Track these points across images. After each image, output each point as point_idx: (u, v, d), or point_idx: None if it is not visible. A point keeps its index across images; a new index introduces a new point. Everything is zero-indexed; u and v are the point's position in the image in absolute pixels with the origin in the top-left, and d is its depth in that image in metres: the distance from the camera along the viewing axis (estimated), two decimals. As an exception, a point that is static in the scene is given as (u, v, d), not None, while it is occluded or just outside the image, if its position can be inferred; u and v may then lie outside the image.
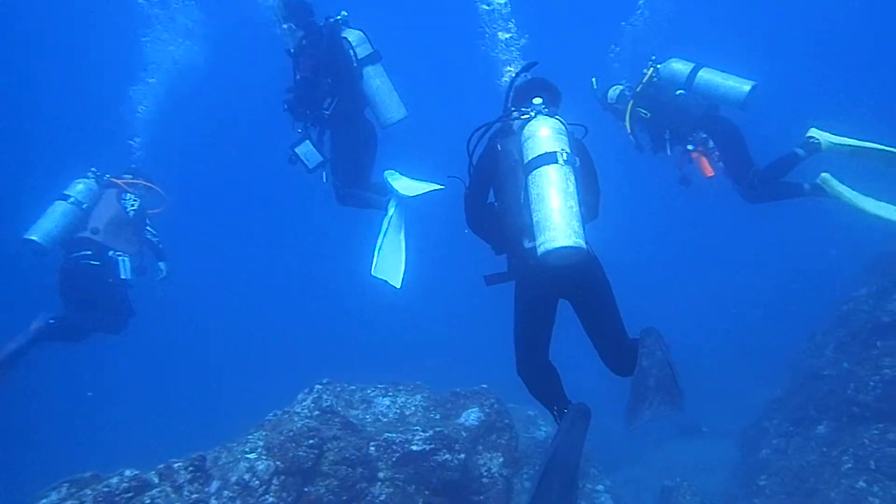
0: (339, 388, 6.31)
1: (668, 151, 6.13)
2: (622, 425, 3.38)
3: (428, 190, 5.56)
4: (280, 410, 5.89)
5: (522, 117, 3.65)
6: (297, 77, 5.61)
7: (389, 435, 5.73)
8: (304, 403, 5.97)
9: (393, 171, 5.94)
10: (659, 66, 6.21)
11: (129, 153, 7.89)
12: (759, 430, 8.30)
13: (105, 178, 6.47)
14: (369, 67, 5.71)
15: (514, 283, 3.62)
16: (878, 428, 6.49)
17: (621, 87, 6.43)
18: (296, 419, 5.50)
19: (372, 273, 5.57)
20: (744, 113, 5.86)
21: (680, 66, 6.08)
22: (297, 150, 5.72)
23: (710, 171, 5.91)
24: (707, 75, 5.90)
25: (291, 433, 5.14)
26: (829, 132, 5.65)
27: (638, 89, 6.26)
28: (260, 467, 4.89)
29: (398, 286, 5.58)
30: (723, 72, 5.90)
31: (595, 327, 3.60)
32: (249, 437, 5.29)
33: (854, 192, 5.46)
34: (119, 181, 6.51)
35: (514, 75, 3.97)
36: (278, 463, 4.95)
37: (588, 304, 3.59)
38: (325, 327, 18.62)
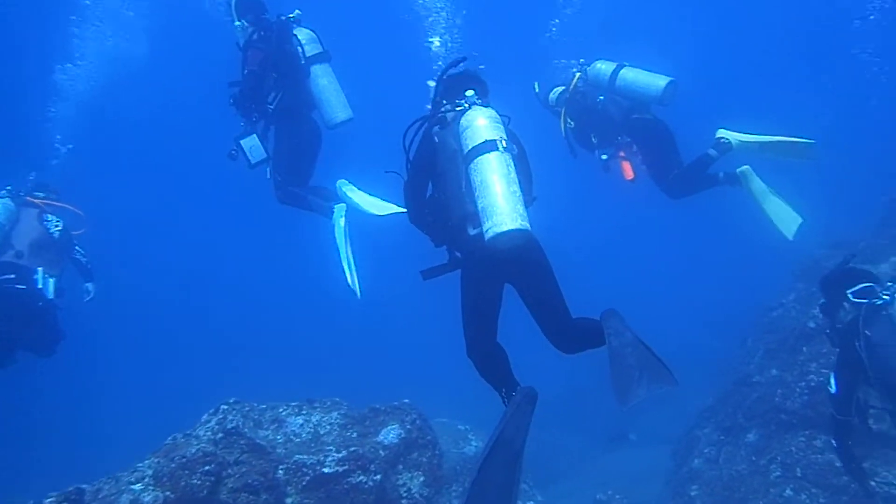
0: (247, 408, 5.86)
1: (597, 155, 6.12)
2: (617, 405, 3.34)
3: (394, 212, 5.41)
4: (180, 434, 5.40)
5: (457, 109, 3.70)
6: (245, 71, 5.64)
7: (300, 457, 5.34)
8: (208, 426, 5.49)
9: (346, 182, 5.93)
10: (587, 67, 6.16)
11: (50, 165, 7.58)
12: (691, 438, 8.19)
13: (21, 196, 6.12)
14: (317, 66, 5.73)
15: (461, 270, 3.70)
16: (804, 435, 6.43)
17: (562, 88, 6.32)
18: (193, 443, 5.02)
19: (350, 285, 5.55)
20: (665, 109, 5.90)
21: (603, 67, 6.03)
22: (242, 142, 5.69)
23: (630, 175, 5.97)
24: (628, 74, 5.86)
25: (185, 459, 4.68)
26: (737, 130, 5.78)
27: (567, 95, 6.21)
28: (146, 499, 4.41)
29: (359, 295, 5.59)
30: (643, 69, 5.87)
31: (541, 307, 3.68)
32: (139, 465, 4.79)
33: (766, 191, 5.65)
34: (37, 200, 6.18)
35: (442, 70, 3.99)
36: (168, 493, 4.48)
37: (533, 285, 3.67)
38: (240, 341, 17.95)
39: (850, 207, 11.20)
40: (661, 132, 5.99)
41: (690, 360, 13.48)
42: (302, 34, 5.77)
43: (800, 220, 5.64)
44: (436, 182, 3.77)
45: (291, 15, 5.83)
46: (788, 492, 6.16)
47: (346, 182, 5.95)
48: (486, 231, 3.32)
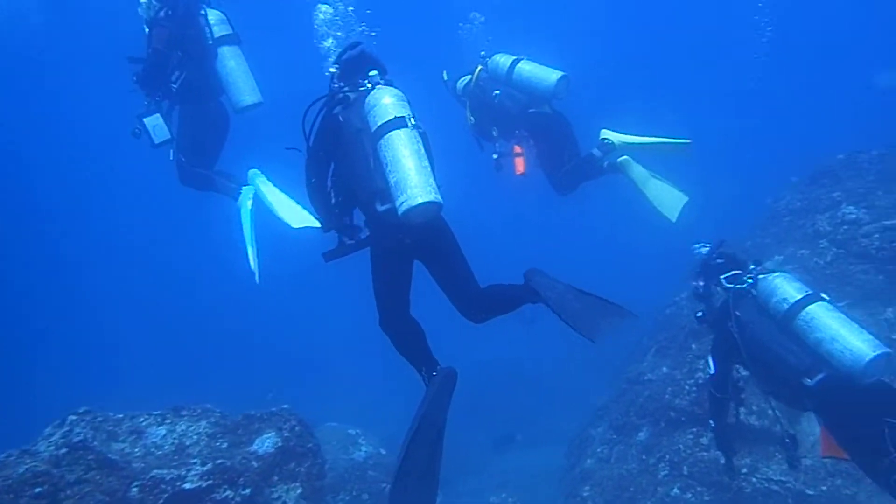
0: (99, 418, 5.20)
1: (498, 148, 6.13)
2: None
3: (309, 226, 5.21)
4: (16, 450, 4.72)
5: (360, 89, 3.75)
6: (149, 49, 5.50)
7: (159, 472, 4.78)
8: (51, 440, 4.84)
9: (258, 172, 5.81)
10: (488, 60, 6.13)
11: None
12: (584, 438, 8.15)
13: None
14: (226, 48, 5.61)
15: (371, 246, 3.78)
16: (692, 432, 6.46)
17: (468, 79, 6.26)
18: (26, 461, 4.38)
19: (252, 269, 5.61)
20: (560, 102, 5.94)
21: (502, 60, 6.00)
22: (145, 120, 5.53)
23: (521, 169, 6.02)
24: (524, 68, 5.86)
25: (9, 482, 4.05)
26: (619, 131, 5.92)
27: (470, 88, 6.20)
28: (-44, 531, 3.77)
29: (258, 281, 5.64)
30: (539, 64, 5.88)
31: (452, 278, 3.85)
32: (-46, 489, 4.11)
33: (646, 176, 5.81)
34: None
35: (339, 54, 4.02)
36: (-15, 522, 3.85)
37: (443, 257, 3.83)
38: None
39: (736, 209, 11.65)
40: (557, 126, 6.00)
41: (588, 359, 13.76)
42: (211, 14, 5.65)
43: (685, 199, 5.77)
44: (339, 161, 3.80)
45: None
46: (675, 490, 6.16)
47: (259, 173, 5.81)
48: (401, 205, 3.36)
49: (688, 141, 5.76)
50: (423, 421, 3.40)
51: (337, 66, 3.96)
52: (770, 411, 4.34)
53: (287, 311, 16.70)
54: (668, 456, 6.43)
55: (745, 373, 4.43)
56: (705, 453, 6.19)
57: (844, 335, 3.67)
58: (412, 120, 3.56)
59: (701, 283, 4.56)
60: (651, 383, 7.29)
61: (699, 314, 4.58)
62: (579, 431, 8.53)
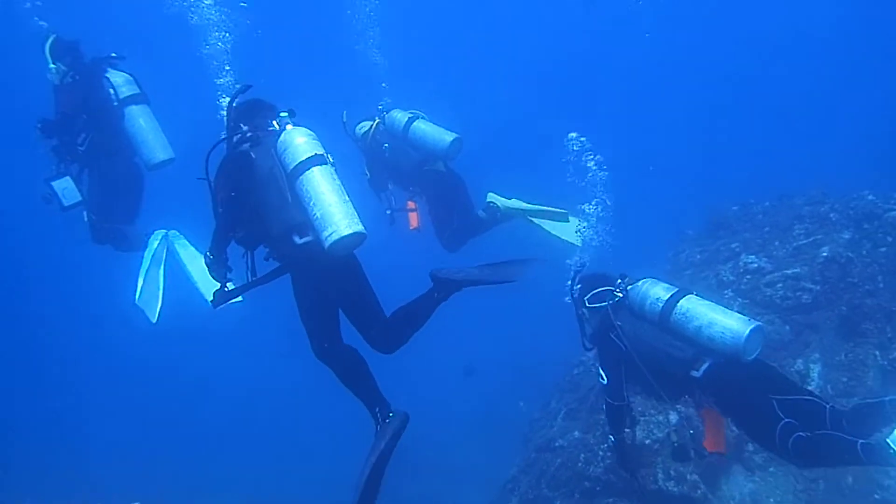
0: None
1: (393, 203, 6.30)
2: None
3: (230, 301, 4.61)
4: None
5: (269, 129, 3.97)
6: (56, 111, 5.71)
7: None
8: None
9: (178, 234, 6.23)
10: (385, 114, 6.20)
11: None
12: (494, 515, 7.36)
13: None
14: (134, 107, 5.76)
15: (294, 279, 3.96)
16: (608, 503, 5.84)
17: (367, 126, 6.32)
18: None
19: (136, 302, 5.89)
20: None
21: (399, 116, 6.09)
22: (53, 184, 5.66)
23: (414, 224, 6.26)
24: (419, 127, 5.96)
25: None
26: (503, 195, 6.30)
27: (367, 141, 6.26)
28: None
29: (154, 320, 5.86)
30: (434, 123, 6.04)
31: (363, 309, 4.10)
32: None
33: (521, 205, 6.23)
34: None
35: (231, 98, 4.14)
36: None
37: (356, 288, 4.08)
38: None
39: (636, 265, 11.59)
40: (449, 185, 6.17)
41: (497, 428, 13.03)
42: (116, 76, 5.80)
43: (574, 222, 6.12)
44: (249, 197, 3.87)
45: (113, 55, 5.89)
46: (595, 571, 5.48)
47: (179, 235, 6.24)
48: (328, 237, 3.59)
49: (564, 211, 6.19)
50: (379, 463, 3.71)
51: (234, 108, 4.10)
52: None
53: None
54: (584, 532, 5.76)
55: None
56: (624, 528, 5.57)
57: (720, 318, 3.90)
58: (330, 157, 3.79)
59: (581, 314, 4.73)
60: (562, 450, 6.68)
61: (587, 346, 4.76)
62: (487, 508, 7.74)
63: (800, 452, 3.62)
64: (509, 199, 6.31)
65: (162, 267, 6.04)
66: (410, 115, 6.02)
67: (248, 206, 3.88)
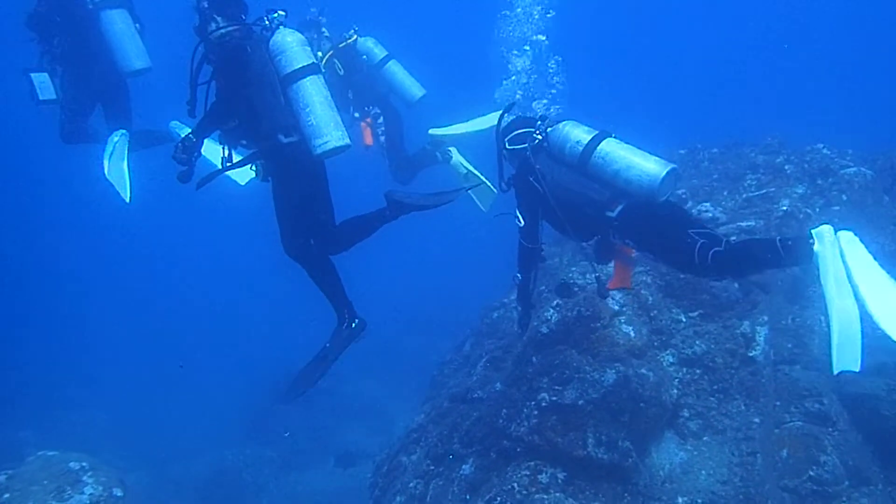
0: None
1: (350, 111, 6.76)
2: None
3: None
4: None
5: (266, 23, 4.18)
6: (34, 9, 5.64)
7: None
8: None
9: (179, 124, 6.26)
10: (360, 38, 6.83)
11: None
12: (394, 466, 6.58)
13: None
14: (111, 11, 5.65)
15: (274, 175, 4.36)
16: (528, 467, 5.12)
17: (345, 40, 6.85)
18: None
19: (106, 175, 5.90)
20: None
21: (375, 49, 6.84)
22: (31, 74, 5.64)
23: (370, 141, 6.79)
24: (394, 69, 6.81)
25: None
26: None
27: (341, 45, 6.74)
28: None
29: (127, 199, 5.86)
30: (406, 70, 6.87)
31: (322, 212, 4.53)
32: None
33: (468, 170, 6.98)
34: None
35: None
36: None
37: (322, 193, 4.54)
38: None
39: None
40: (403, 122, 7.09)
41: (401, 367, 12.33)
42: None
43: (494, 192, 6.48)
44: (243, 91, 4.12)
45: None
46: (508, 545, 4.79)
47: (179, 124, 6.23)
48: (320, 145, 4.05)
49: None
50: (323, 358, 4.60)
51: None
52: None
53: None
54: (498, 498, 5.04)
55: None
56: (545, 496, 4.89)
57: (638, 162, 4.00)
58: (322, 67, 4.49)
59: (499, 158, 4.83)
60: (480, 403, 5.93)
61: (503, 180, 4.78)
62: (387, 456, 6.95)
63: (720, 263, 3.72)
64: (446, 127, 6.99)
65: (125, 159, 5.93)
66: (386, 55, 6.77)
67: (243, 98, 4.12)
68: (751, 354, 5.60)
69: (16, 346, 15.12)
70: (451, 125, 6.96)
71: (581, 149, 4.16)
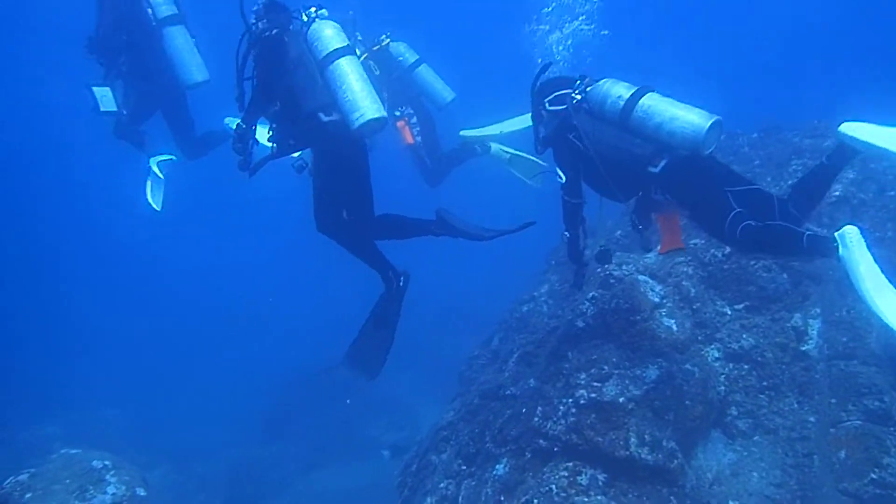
0: None
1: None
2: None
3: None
4: None
5: (304, 18, 4.53)
6: (98, 28, 5.98)
7: None
8: None
9: (233, 119, 6.29)
10: (392, 43, 6.95)
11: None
12: (423, 465, 6.33)
13: None
14: (171, 28, 5.98)
15: (315, 154, 4.64)
16: (567, 468, 4.83)
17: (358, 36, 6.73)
18: None
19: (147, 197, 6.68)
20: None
21: (406, 53, 6.94)
22: (94, 88, 6.01)
23: (410, 140, 6.98)
24: (425, 71, 6.95)
25: None
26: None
27: (374, 49, 6.85)
28: None
29: (158, 208, 6.70)
30: (437, 73, 7.01)
31: (363, 196, 4.73)
32: None
33: (508, 154, 7.00)
34: None
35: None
36: None
37: (363, 176, 4.71)
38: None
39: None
40: (434, 121, 7.25)
41: (425, 363, 12.10)
42: None
43: (544, 165, 6.44)
44: (281, 81, 4.41)
45: None
46: (547, 551, 4.52)
47: (232, 119, 6.28)
48: (357, 119, 4.20)
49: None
50: (381, 316, 5.00)
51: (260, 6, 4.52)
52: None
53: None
54: (535, 500, 4.75)
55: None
56: (585, 499, 4.60)
57: (682, 114, 3.95)
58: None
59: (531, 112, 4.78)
60: (514, 400, 5.65)
61: (539, 140, 4.78)
62: (416, 455, 6.71)
63: (746, 239, 3.76)
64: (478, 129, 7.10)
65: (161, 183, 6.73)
66: (417, 59, 6.87)
67: (283, 84, 4.38)
68: (803, 349, 5.25)
69: (44, 343, 15.20)
70: (482, 127, 7.13)
71: (622, 103, 4.11)
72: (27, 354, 14.21)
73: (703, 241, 6.00)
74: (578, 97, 4.38)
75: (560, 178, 4.50)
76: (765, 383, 5.24)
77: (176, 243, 23.30)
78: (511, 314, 7.75)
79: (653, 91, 4.14)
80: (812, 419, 4.96)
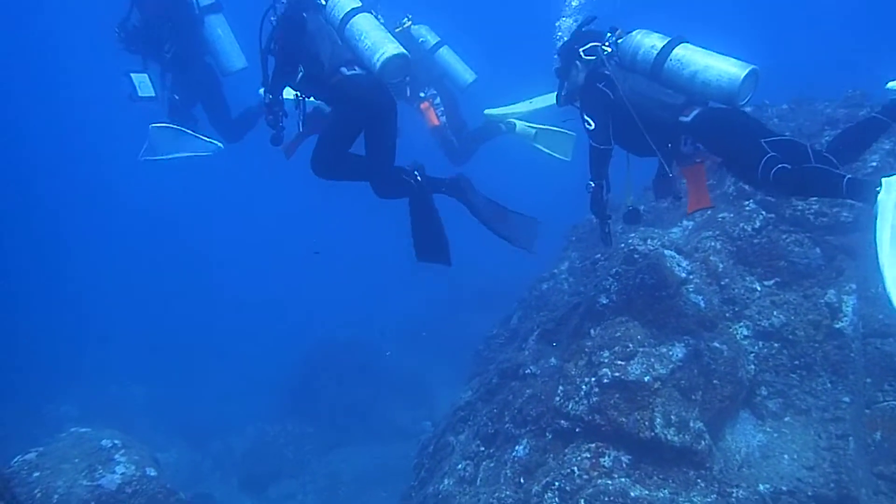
0: None
1: (407, 94, 6.78)
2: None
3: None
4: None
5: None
6: (141, 17, 6.05)
7: None
8: None
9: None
10: (413, 25, 6.84)
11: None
12: (440, 446, 6.21)
13: None
14: (211, 16, 6.28)
15: (335, 110, 4.84)
16: (589, 449, 4.67)
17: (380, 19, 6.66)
18: None
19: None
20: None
21: (428, 36, 6.91)
22: (132, 75, 6.10)
23: (436, 121, 6.94)
24: (446, 53, 6.91)
25: None
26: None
27: (397, 30, 6.60)
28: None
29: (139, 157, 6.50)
30: (457, 55, 6.95)
31: (382, 146, 4.82)
32: None
33: (534, 131, 6.76)
34: None
35: None
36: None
37: (384, 127, 4.77)
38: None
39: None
40: (457, 101, 7.19)
41: (441, 342, 11.96)
42: None
43: (572, 136, 6.35)
44: (303, 46, 4.62)
45: None
46: (569, 534, 4.37)
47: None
48: (378, 59, 4.30)
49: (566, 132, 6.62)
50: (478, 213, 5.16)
51: None
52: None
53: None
54: (557, 482, 4.61)
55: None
56: (609, 481, 4.44)
57: (716, 62, 3.89)
58: (372, 11, 4.56)
59: (558, 59, 4.72)
60: (534, 379, 5.48)
61: (563, 92, 4.74)
62: (434, 436, 6.59)
63: (780, 181, 3.63)
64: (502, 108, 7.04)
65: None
66: (438, 41, 6.83)
67: (304, 51, 4.58)
68: (837, 326, 5.01)
69: (63, 323, 15.27)
70: (506, 105, 7.13)
71: (655, 53, 4.05)
72: (46, 333, 14.28)
73: (731, 215, 5.77)
74: (609, 49, 4.35)
75: (589, 124, 4.41)
76: (796, 362, 5.02)
77: (199, 224, 23.40)
78: (530, 292, 7.57)
79: (686, 42, 4.07)
80: (846, 399, 4.74)
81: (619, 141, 4.46)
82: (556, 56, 4.78)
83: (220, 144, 6.68)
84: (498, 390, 5.86)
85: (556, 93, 4.87)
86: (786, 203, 5.52)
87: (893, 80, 3.79)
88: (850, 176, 3.44)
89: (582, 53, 4.51)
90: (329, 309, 14.58)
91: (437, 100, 6.96)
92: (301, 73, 4.64)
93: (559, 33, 4.94)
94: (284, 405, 11.98)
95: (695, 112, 4.05)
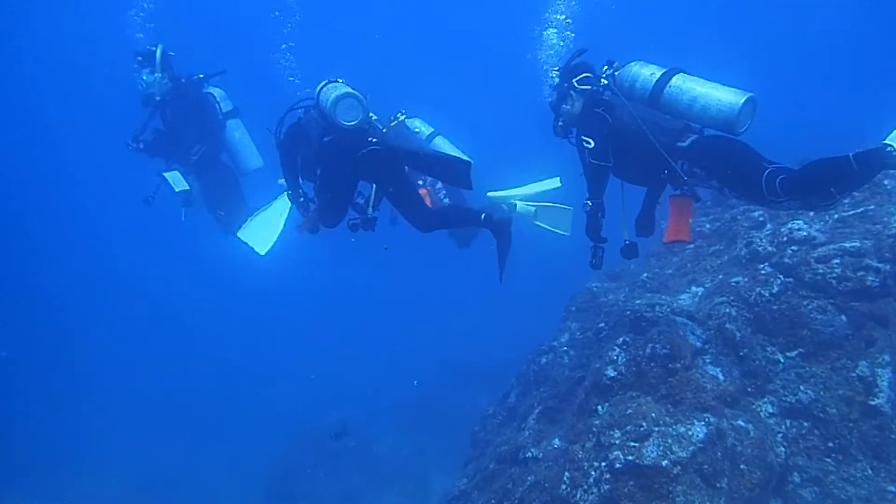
0: None
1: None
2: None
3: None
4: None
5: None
6: (166, 123, 6.57)
7: None
8: None
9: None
10: (407, 119, 6.70)
11: None
12: (433, 542, 5.50)
13: None
14: (231, 121, 6.81)
15: (322, 168, 5.10)
16: (601, 546, 4.05)
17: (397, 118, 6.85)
18: None
19: (237, 235, 6.87)
20: None
21: (422, 127, 6.70)
22: (165, 174, 6.52)
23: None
24: (441, 141, 6.69)
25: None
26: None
27: (392, 124, 6.69)
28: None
29: (262, 253, 6.72)
30: (452, 143, 6.72)
31: (407, 191, 5.41)
32: None
33: (533, 208, 6.37)
34: None
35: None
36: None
37: (385, 172, 5.25)
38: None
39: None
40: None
41: (436, 422, 11.24)
42: (216, 92, 6.76)
43: (569, 210, 6.16)
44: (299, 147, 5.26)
45: (200, 75, 6.73)
46: None
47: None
48: (331, 104, 4.78)
49: (568, 208, 6.28)
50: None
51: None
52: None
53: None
54: (565, 588, 3.96)
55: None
56: (626, 585, 3.80)
57: (714, 91, 3.91)
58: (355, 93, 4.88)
59: (553, 93, 4.77)
60: (536, 464, 4.88)
61: (560, 123, 4.76)
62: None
63: (788, 187, 3.61)
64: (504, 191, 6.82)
65: (285, 216, 6.75)
66: (433, 129, 6.74)
67: (301, 148, 5.19)
68: (872, 403, 4.49)
69: (23, 411, 14.45)
70: (509, 189, 7.04)
71: (654, 81, 4.07)
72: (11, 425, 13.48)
73: (745, 280, 5.33)
74: (605, 82, 4.40)
75: (588, 143, 4.41)
76: (830, 444, 4.47)
77: (168, 300, 22.73)
78: (529, 366, 7.02)
79: (683, 72, 4.10)
80: (892, 489, 4.17)
81: (616, 168, 4.44)
82: (551, 90, 4.83)
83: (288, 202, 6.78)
84: (495, 477, 5.23)
85: (552, 125, 4.89)
86: (805, 265, 5.10)
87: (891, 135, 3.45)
88: (854, 152, 3.35)
89: (575, 83, 4.58)
90: (318, 388, 13.88)
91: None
92: (300, 165, 5.21)
93: (552, 73, 4.91)
94: (271, 492, 11.12)
95: (691, 138, 4.16)
